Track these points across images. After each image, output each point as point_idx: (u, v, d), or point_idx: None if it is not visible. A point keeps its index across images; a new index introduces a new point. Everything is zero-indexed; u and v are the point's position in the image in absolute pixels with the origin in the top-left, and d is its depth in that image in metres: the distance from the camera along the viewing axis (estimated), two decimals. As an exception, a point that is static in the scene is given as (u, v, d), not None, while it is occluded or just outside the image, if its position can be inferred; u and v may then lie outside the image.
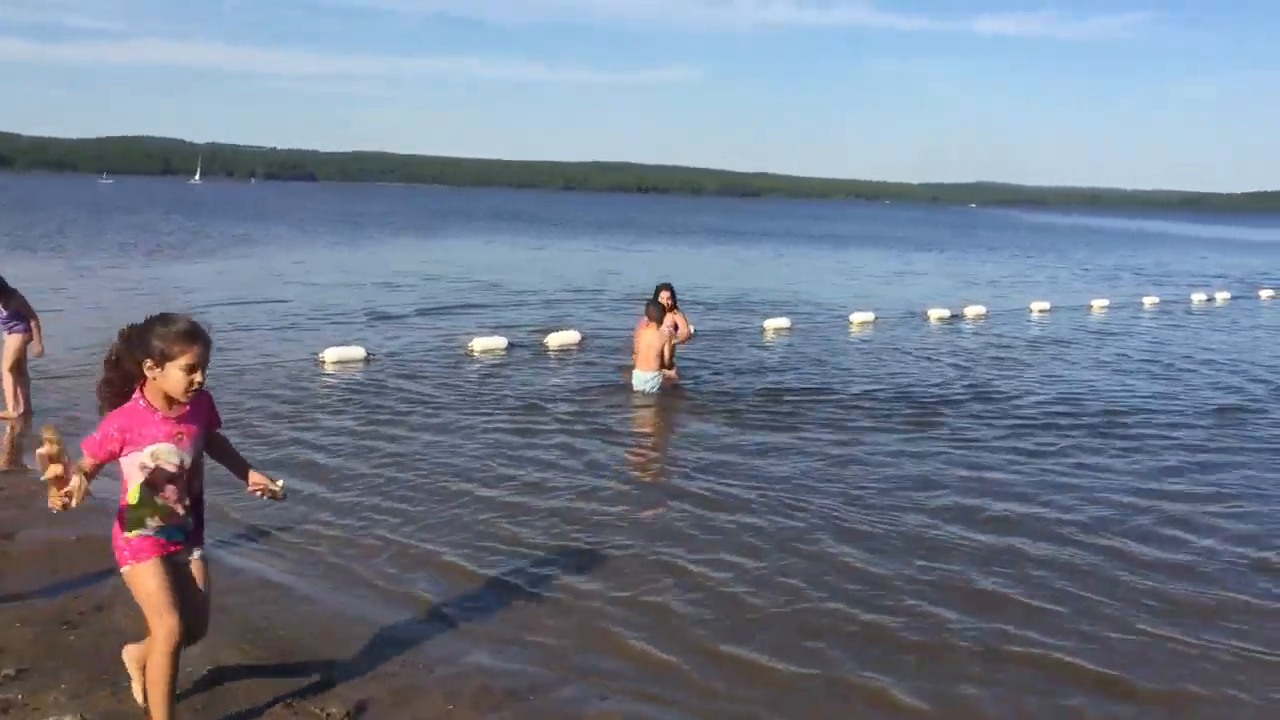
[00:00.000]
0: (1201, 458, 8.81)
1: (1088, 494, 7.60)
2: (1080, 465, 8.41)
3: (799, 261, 37.17)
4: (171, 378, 3.41)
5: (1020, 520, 6.96)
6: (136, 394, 3.49)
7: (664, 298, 11.49)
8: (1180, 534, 6.77)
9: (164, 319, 3.44)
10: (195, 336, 3.42)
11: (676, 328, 11.35)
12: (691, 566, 5.93)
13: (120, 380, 3.49)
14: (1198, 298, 24.50)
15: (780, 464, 8.22)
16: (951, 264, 37.59)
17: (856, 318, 17.72)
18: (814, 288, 24.96)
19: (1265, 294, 26.47)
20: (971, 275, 31.95)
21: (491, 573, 5.74)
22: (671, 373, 11.25)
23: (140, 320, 3.48)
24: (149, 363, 3.40)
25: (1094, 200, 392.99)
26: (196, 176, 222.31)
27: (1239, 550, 6.47)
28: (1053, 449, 8.90)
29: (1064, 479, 7.98)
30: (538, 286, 22.40)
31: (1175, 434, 9.68)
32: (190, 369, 3.41)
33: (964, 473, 8.08)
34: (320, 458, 7.94)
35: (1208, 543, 6.61)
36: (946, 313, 18.94)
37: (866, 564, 6.06)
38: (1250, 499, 7.66)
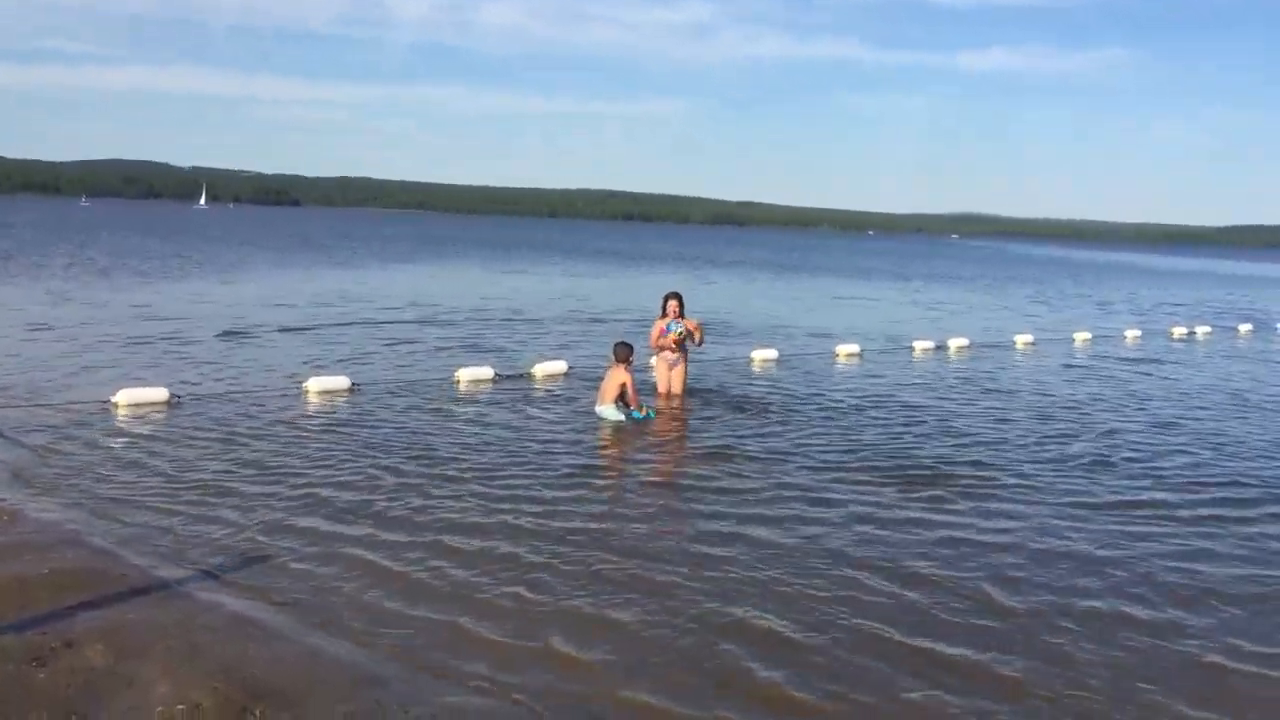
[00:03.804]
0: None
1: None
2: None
3: (786, 291, 37.32)
4: None
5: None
6: None
7: (672, 307, 12.29)
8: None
9: None
10: None
11: (692, 334, 12.20)
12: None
13: None
14: (1177, 331, 24.66)
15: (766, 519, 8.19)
16: (932, 294, 37.77)
17: (842, 349, 17.72)
18: (801, 317, 25.00)
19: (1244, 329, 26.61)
20: (954, 306, 32.11)
21: (468, 617, 5.65)
22: (677, 388, 12.18)
23: None
24: None
25: (1076, 233, 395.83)
26: (202, 201, 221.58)
27: None
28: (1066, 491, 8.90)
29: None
30: (528, 313, 22.36)
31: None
32: None
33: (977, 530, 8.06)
34: (298, 491, 7.82)
35: None
36: (931, 344, 18.98)
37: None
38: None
